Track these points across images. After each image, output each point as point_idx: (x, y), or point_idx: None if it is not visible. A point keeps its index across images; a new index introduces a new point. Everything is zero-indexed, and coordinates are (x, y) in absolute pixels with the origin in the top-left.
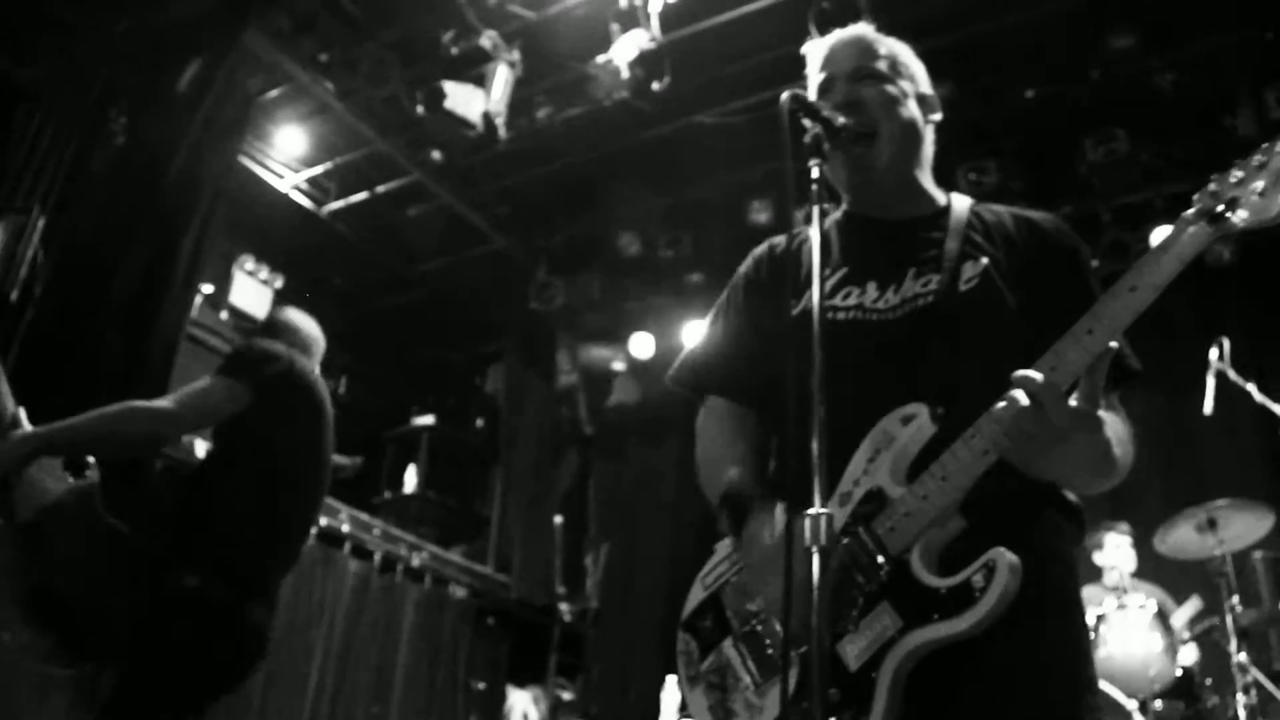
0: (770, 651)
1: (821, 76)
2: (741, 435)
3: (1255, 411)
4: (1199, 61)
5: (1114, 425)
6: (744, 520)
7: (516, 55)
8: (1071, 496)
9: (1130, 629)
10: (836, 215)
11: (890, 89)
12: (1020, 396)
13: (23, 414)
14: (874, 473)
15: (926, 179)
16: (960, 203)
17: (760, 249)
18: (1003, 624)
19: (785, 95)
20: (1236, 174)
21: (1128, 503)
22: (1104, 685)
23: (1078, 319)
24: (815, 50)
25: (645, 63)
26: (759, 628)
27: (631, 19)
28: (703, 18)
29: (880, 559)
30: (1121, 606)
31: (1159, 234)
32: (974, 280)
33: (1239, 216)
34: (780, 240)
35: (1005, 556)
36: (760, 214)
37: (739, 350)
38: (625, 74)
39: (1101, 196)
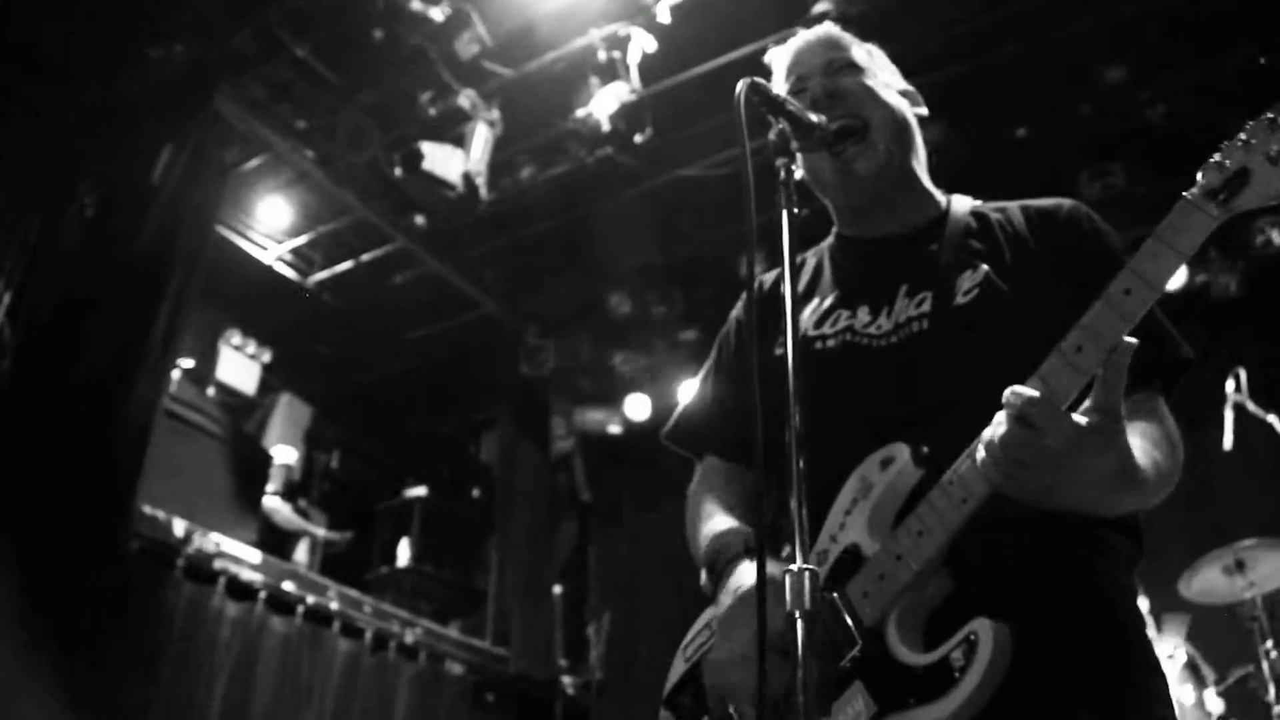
0: None
1: (791, 79)
2: (732, 491)
3: (1276, 444)
4: (1190, 91)
5: (1144, 433)
6: (724, 575)
7: (496, 114)
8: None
9: None
10: (829, 241)
11: (870, 80)
12: (1010, 425)
13: None
14: (850, 527)
15: (925, 177)
16: (960, 204)
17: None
18: (1046, 676)
19: (742, 83)
20: (1244, 137)
21: (1146, 546)
22: None
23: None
24: (780, 55)
25: (626, 116)
26: (732, 711)
27: (611, 72)
28: (683, 68)
29: (853, 630)
30: None
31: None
32: (973, 292)
33: (1250, 193)
34: (769, 275)
35: (988, 628)
36: (754, 266)
37: (731, 404)
38: (606, 127)
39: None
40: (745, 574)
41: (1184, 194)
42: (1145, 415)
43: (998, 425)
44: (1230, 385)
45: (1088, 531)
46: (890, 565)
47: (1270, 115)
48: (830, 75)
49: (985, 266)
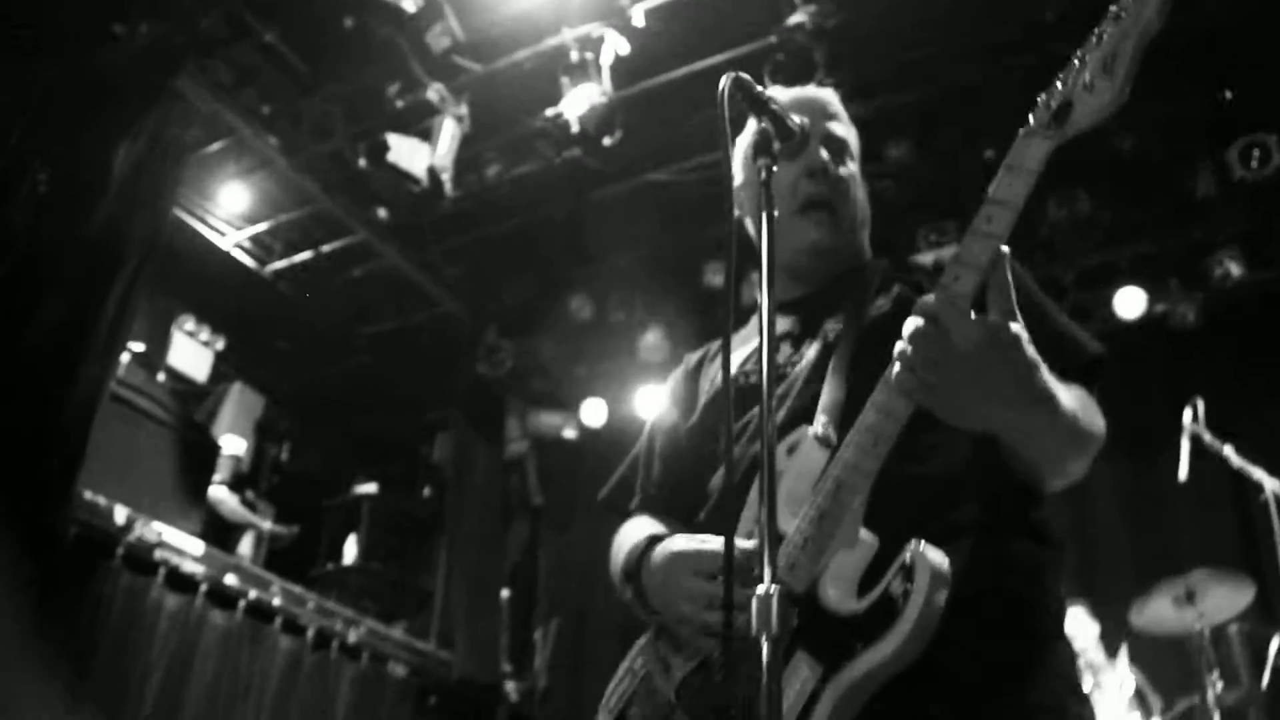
0: None
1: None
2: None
3: (1230, 476)
4: (1158, 123)
5: (1068, 389)
6: (643, 561)
7: (464, 109)
8: (1033, 514)
9: (1108, 712)
10: (762, 266)
11: (854, 167)
12: (914, 321)
13: None
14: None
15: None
16: (879, 262)
17: (678, 369)
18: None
19: (726, 78)
20: (1062, 76)
21: (1099, 573)
22: None
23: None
24: (781, 96)
25: (596, 117)
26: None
27: (582, 73)
28: (655, 72)
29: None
30: (1097, 686)
31: (1124, 298)
32: (884, 306)
33: (1076, 117)
34: (693, 356)
35: (926, 550)
36: (716, 275)
37: (667, 470)
38: (575, 128)
39: (1063, 258)
40: (672, 541)
41: (1020, 129)
42: (1067, 385)
43: (907, 328)
44: (1187, 415)
45: (996, 541)
46: (813, 528)
47: (1077, 56)
48: (830, 150)
49: (898, 287)
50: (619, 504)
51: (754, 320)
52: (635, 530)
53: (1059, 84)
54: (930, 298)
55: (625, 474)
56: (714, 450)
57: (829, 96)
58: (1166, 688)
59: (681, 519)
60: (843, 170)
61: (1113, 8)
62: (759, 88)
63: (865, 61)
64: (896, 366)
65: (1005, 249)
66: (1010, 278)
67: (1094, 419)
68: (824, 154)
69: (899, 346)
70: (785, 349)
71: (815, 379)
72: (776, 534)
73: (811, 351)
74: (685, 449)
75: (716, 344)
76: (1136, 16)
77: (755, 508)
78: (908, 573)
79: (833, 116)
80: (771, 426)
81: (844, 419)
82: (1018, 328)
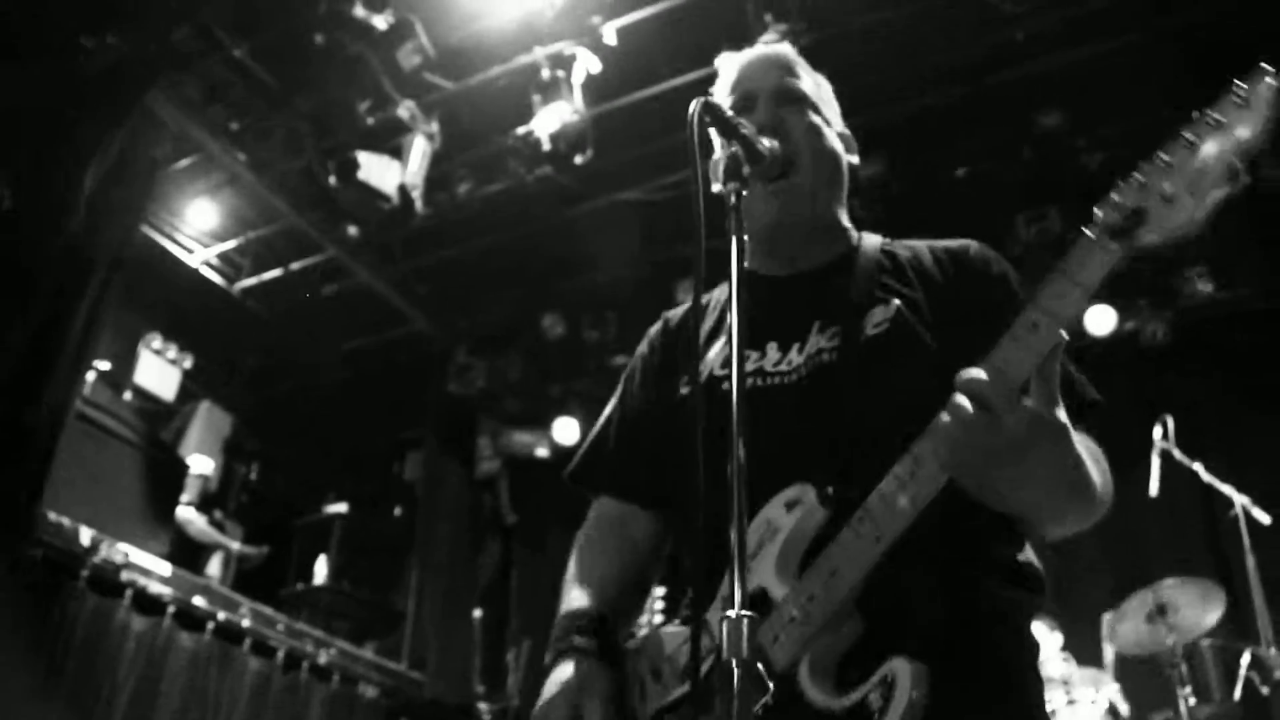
0: None
1: (738, 94)
2: (607, 553)
3: (1201, 491)
4: (1127, 141)
5: (1085, 444)
6: (554, 664)
7: (435, 127)
8: (1020, 557)
9: None
10: (733, 294)
11: (815, 117)
12: (964, 403)
13: None
14: (757, 570)
15: (843, 217)
16: (870, 241)
17: (655, 327)
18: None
19: (696, 103)
20: (1140, 179)
21: (1069, 588)
22: None
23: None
24: (729, 63)
25: (568, 136)
26: None
27: (554, 90)
28: (627, 90)
29: (764, 677)
30: (1071, 702)
31: (1094, 315)
32: (883, 325)
33: (1146, 232)
34: (675, 312)
35: (905, 668)
36: (689, 293)
37: (632, 443)
38: (547, 147)
39: (1034, 276)
40: (566, 671)
41: (1083, 229)
42: (1078, 429)
43: (953, 408)
44: (1157, 432)
45: (977, 590)
46: (802, 608)
47: (1164, 158)
48: (779, 103)
49: (897, 302)
50: (586, 478)
51: (724, 288)
52: (583, 567)
53: (1134, 184)
54: (980, 377)
55: (594, 444)
56: (683, 442)
57: (782, 50)
58: (1139, 702)
59: (646, 501)
60: (797, 119)
61: (1211, 114)
62: (729, 112)
63: (838, 81)
64: (937, 443)
65: (1064, 335)
66: (1059, 366)
67: (1109, 482)
68: (768, 112)
69: (938, 422)
70: (771, 350)
71: (810, 407)
72: (746, 559)
73: (800, 363)
74: (652, 432)
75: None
76: (1235, 129)
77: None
78: (887, 689)
79: (786, 70)
80: (741, 467)
81: (847, 472)
82: (1063, 416)
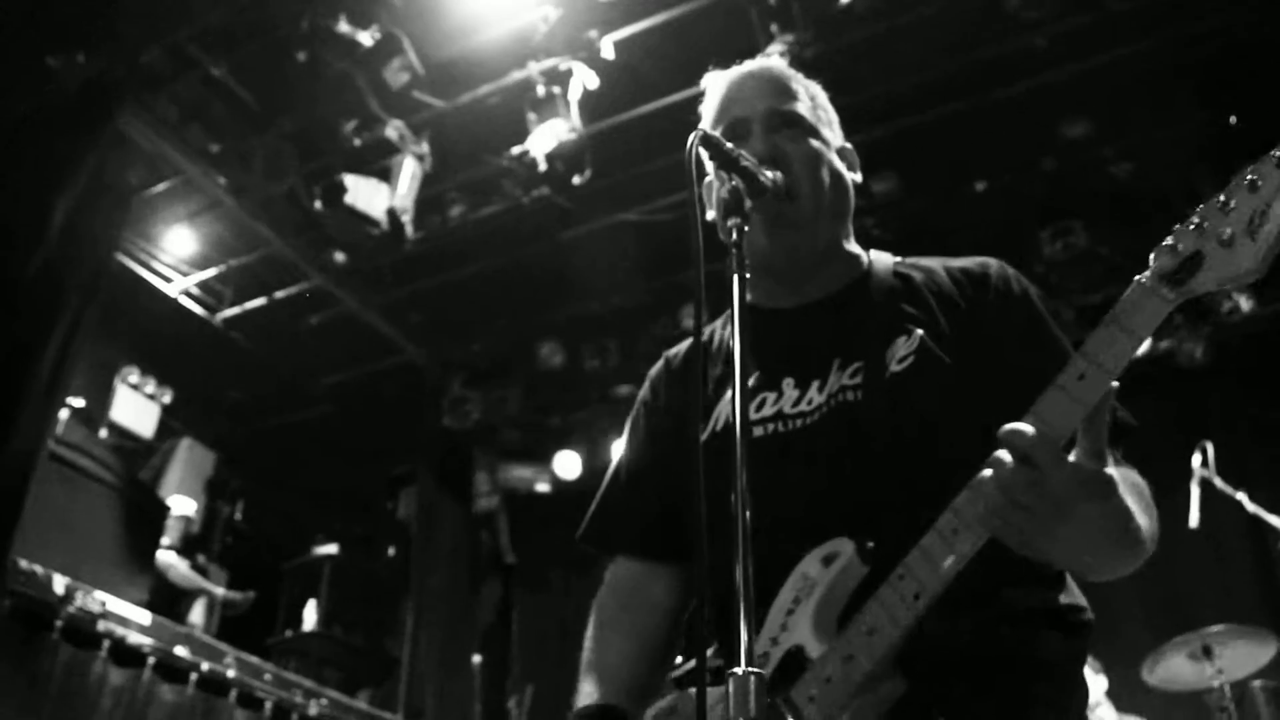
0: None
1: (728, 119)
2: (623, 627)
3: (1244, 523)
4: (1157, 149)
5: (1129, 483)
6: None
7: (425, 147)
8: (1063, 599)
9: None
10: (735, 330)
11: (814, 143)
12: (1007, 459)
13: None
14: (793, 628)
15: (850, 242)
16: (881, 262)
17: (655, 368)
18: None
19: (695, 136)
20: (1197, 221)
21: (1105, 628)
22: None
23: (1047, 378)
24: (718, 83)
25: (565, 155)
26: None
27: (550, 107)
28: (627, 107)
29: None
30: None
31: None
32: (908, 359)
33: (1204, 278)
34: (677, 350)
35: None
36: (693, 319)
37: (643, 497)
38: (543, 166)
39: (1061, 295)
40: None
41: (1138, 277)
42: (1123, 466)
43: (995, 465)
44: (1196, 459)
45: (1034, 622)
46: (839, 667)
47: (1222, 199)
48: (774, 128)
49: (919, 332)
50: (598, 540)
51: (727, 322)
52: (600, 649)
53: (1190, 227)
54: (1024, 431)
55: (603, 502)
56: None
57: (772, 67)
58: None
59: (664, 556)
60: (794, 146)
61: (1276, 153)
62: (728, 144)
63: (846, 93)
64: (979, 500)
65: (1115, 384)
66: (1107, 417)
67: (1155, 520)
68: (763, 141)
69: (987, 483)
70: (788, 388)
71: (837, 452)
72: (753, 606)
73: (822, 402)
74: (664, 483)
75: (706, 333)
76: None
77: (773, 619)
78: None
79: (780, 91)
80: (746, 527)
81: (883, 527)
82: (1111, 472)
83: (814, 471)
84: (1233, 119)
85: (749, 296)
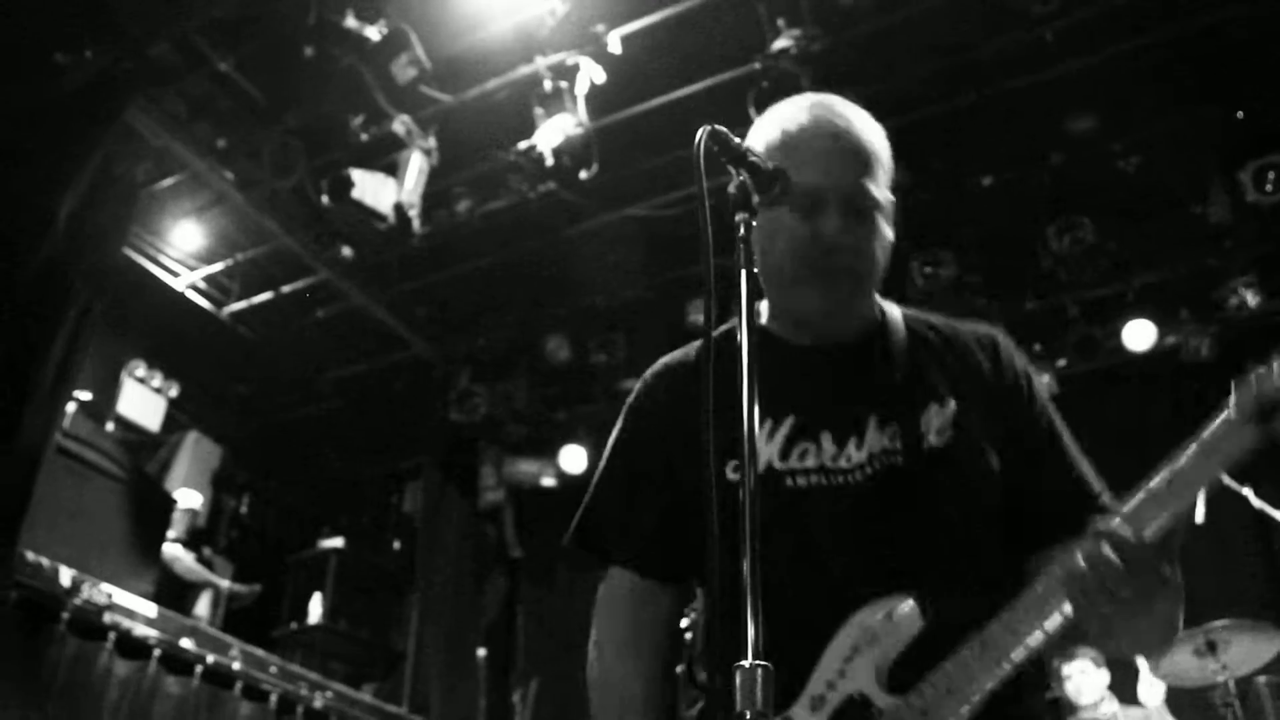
0: None
1: (806, 183)
2: (641, 651)
3: (1250, 519)
4: (1164, 143)
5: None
6: None
7: (432, 142)
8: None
9: None
10: (742, 327)
11: (883, 226)
12: (1108, 554)
13: None
14: (853, 675)
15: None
16: (893, 313)
17: (653, 372)
18: None
19: (702, 131)
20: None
21: None
22: None
23: (1050, 463)
24: (791, 126)
25: (571, 150)
26: None
27: (557, 103)
28: (634, 101)
29: None
30: None
31: (1133, 330)
32: (946, 433)
33: None
34: (675, 358)
35: None
36: (701, 314)
37: (643, 510)
38: (550, 162)
39: (1068, 289)
40: None
41: (1225, 404)
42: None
43: (1095, 558)
44: None
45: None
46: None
47: None
48: (849, 214)
49: (952, 405)
50: (596, 543)
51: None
52: (624, 674)
53: (1274, 372)
54: (1124, 533)
55: (599, 503)
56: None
57: (857, 130)
58: None
59: (670, 574)
60: (866, 234)
61: None
62: (735, 139)
63: (853, 87)
64: (1071, 583)
65: (1202, 509)
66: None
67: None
68: (840, 222)
69: (1086, 575)
70: (826, 442)
71: (887, 511)
72: (789, 664)
73: (864, 461)
74: (680, 509)
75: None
76: None
77: (828, 663)
78: None
79: (862, 165)
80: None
81: (933, 587)
82: (1179, 576)
83: (866, 528)
84: (1239, 114)
85: (774, 327)
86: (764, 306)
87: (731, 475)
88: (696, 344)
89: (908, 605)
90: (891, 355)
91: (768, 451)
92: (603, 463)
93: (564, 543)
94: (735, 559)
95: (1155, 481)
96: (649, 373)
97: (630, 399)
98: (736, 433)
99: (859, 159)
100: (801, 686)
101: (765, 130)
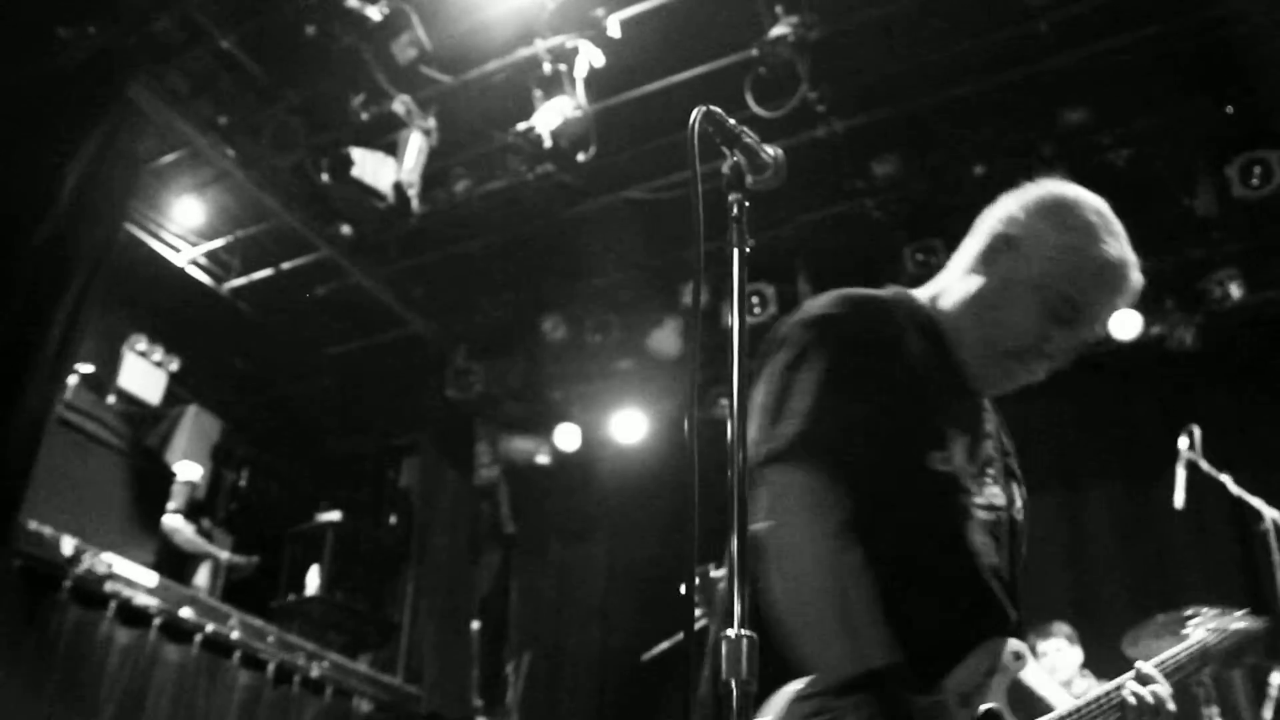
0: None
1: (1091, 300)
2: (865, 571)
3: (1229, 504)
4: (1154, 136)
5: None
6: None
7: (432, 122)
8: None
9: None
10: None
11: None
12: (1149, 697)
13: None
14: (991, 693)
15: None
16: None
17: (877, 306)
18: None
19: (696, 112)
20: None
21: (1090, 605)
22: None
23: None
24: (1116, 271)
25: (570, 132)
26: None
27: (555, 85)
28: (632, 85)
29: None
30: None
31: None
32: (1023, 513)
33: None
34: (879, 297)
35: None
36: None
37: (884, 437)
38: (548, 143)
39: None
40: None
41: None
42: None
43: (1139, 696)
44: (1183, 442)
45: None
46: None
47: None
48: (1088, 336)
49: (1023, 494)
50: (837, 445)
51: (930, 351)
52: (853, 580)
53: None
54: (1164, 686)
55: (827, 417)
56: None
57: (1136, 283)
58: None
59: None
60: (1068, 351)
61: None
62: (730, 120)
63: (850, 75)
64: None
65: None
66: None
67: None
68: (1069, 346)
69: (1128, 703)
70: (990, 482)
71: (1009, 556)
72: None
73: (1004, 507)
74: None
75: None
76: None
77: (974, 665)
78: None
79: (1120, 306)
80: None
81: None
82: None
83: (1010, 561)
84: (1228, 108)
85: (965, 357)
86: (963, 327)
87: (941, 466)
88: (886, 293)
89: (1026, 655)
90: (992, 423)
91: (960, 457)
92: (843, 381)
93: (793, 437)
94: (954, 543)
95: (1186, 644)
96: (865, 308)
97: (857, 332)
98: (937, 423)
99: (1125, 300)
100: (940, 675)
101: (1086, 234)
